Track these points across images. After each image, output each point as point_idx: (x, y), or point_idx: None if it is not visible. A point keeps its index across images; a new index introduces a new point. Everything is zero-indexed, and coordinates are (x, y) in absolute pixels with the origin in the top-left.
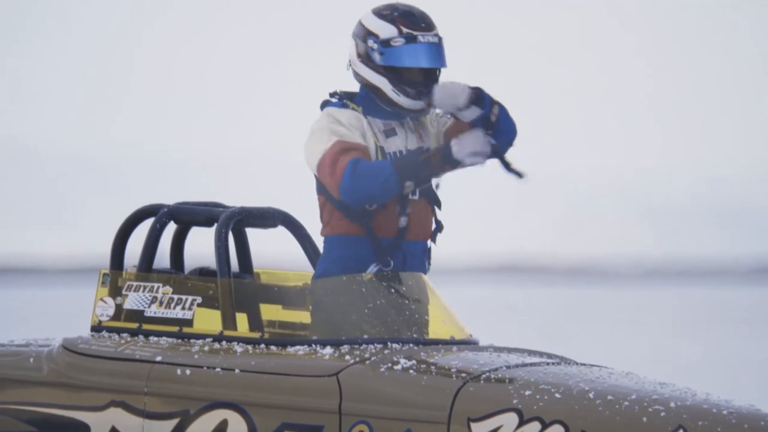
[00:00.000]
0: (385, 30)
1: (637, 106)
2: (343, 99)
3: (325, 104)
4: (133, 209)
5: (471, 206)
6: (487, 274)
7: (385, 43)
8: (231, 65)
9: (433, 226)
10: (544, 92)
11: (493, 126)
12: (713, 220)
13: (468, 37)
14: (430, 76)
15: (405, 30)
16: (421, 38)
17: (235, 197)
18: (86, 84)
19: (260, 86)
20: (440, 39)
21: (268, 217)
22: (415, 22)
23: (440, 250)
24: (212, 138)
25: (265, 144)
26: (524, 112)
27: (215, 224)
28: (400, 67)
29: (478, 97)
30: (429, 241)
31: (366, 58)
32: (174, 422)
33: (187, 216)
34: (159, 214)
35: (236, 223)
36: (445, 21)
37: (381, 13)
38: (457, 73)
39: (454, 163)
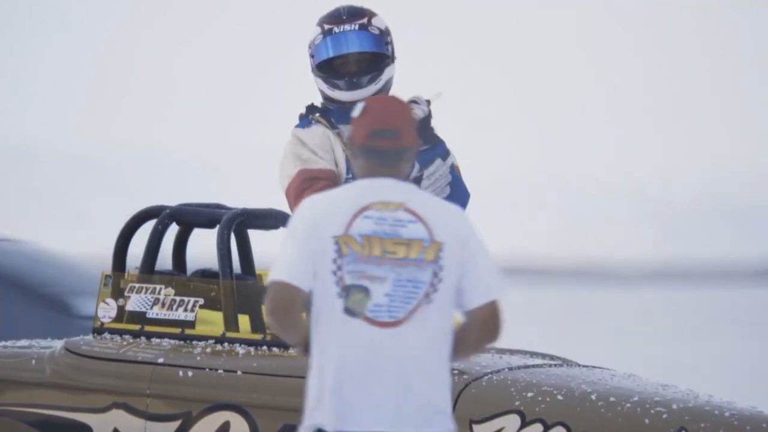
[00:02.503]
0: (313, 34)
1: (638, 107)
2: (311, 114)
3: (299, 119)
4: (134, 210)
5: (471, 207)
6: None
7: (312, 46)
8: (231, 65)
9: None
10: (546, 93)
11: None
12: (717, 222)
13: (469, 37)
14: (361, 64)
15: (326, 27)
16: (336, 29)
17: (237, 198)
18: (86, 84)
19: (261, 86)
20: (363, 26)
21: (270, 219)
22: (336, 16)
23: None
24: (213, 138)
25: (267, 144)
26: (526, 113)
27: (217, 226)
28: (325, 63)
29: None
30: None
31: (311, 69)
32: (176, 424)
33: (189, 217)
34: (161, 215)
35: (238, 224)
36: (445, 22)
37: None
38: (455, 74)
39: None
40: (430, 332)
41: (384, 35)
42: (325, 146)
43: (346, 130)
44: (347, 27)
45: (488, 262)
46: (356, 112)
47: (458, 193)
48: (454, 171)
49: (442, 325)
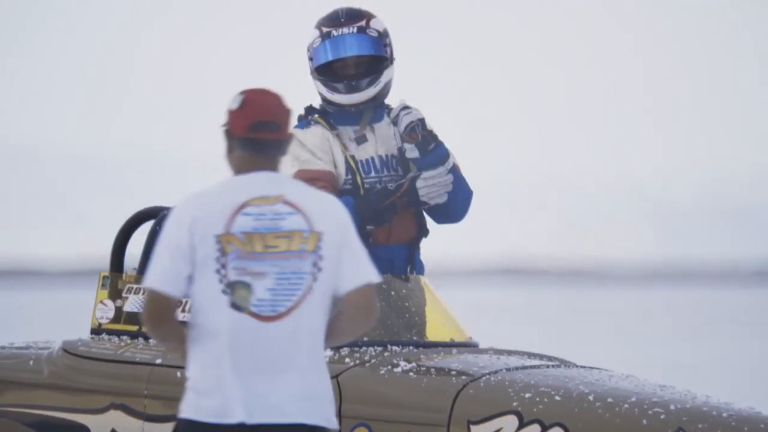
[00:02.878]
0: (312, 37)
1: (639, 108)
2: (310, 115)
3: (297, 120)
4: (133, 210)
5: (472, 209)
6: (487, 276)
7: (310, 49)
8: (230, 66)
9: (416, 230)
10: (546, 93)
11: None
12: (717, 222)
13: (469, 37)
14: (360, 67)
15: (324, 30)
16: (335, 32)
17: None
18: (86, 85)
19: (260, 86)
20: (361, 29)
21: None
22: (334, 19)
23: (441, 252)
24: (212, 139)
25: None
26: (527, 114)
27: None
28: (324, 66)
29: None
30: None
31: (310, 72)
32: (174, 425)
33: None
34: (159, 216)
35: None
36: (445, 22)
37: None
38: (455, 74)
39: (420, 205)
40: (312, 321)
41: (383, 37)
42: (324, 147)
43: (345, 131)
44: (345, 30)
45: (360, 247)
46: (234, 104)
47: (461, 192)
48: (455, 170)
49: (322, 313)
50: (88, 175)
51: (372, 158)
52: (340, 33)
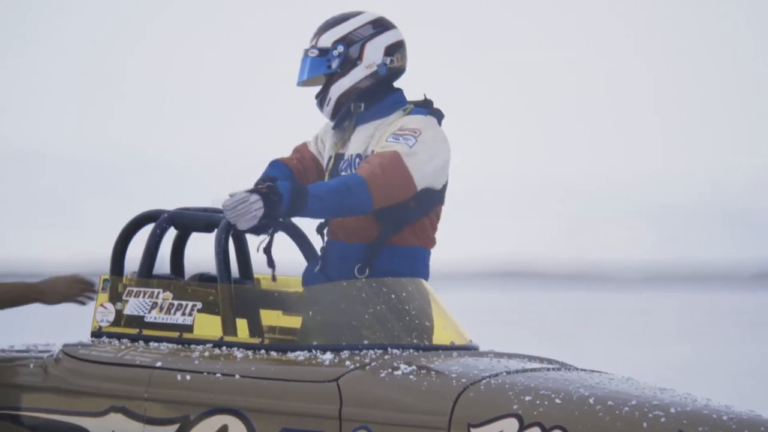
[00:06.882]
0: None
1: (640, 108)
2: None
3: None
4: (133, 214)
5: (471, 210)
6: (487, 278)
7: None
8: (230, 69)
9: (378, 232)
10: (547, 93)
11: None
12: (717, 224)
13: (469, 37)
14: (318, 89)
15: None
16: (304, 52)
17: None
18: (85, 88)
19: (260, 90)
20: (305, 51)
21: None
22: (315, 32)
23: (441, 254)
24: (212, 142)
25: (267, 148)
26: (526, 114)
27: (215, 230)
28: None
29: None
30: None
31: None
32: (174, 428)
33: (188, 221)
34: (159, 219)
35: (236, 228)
36: (446, 21)
37: None
38: (455, 75)
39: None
40: None
41: (327, 52)
42: (321, 135)
43: (328, 133)
44: (309, 52)
45: None
46: None
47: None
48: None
49: None
50: (88, 177)
51: (350, 156)
52: (304, 54)
